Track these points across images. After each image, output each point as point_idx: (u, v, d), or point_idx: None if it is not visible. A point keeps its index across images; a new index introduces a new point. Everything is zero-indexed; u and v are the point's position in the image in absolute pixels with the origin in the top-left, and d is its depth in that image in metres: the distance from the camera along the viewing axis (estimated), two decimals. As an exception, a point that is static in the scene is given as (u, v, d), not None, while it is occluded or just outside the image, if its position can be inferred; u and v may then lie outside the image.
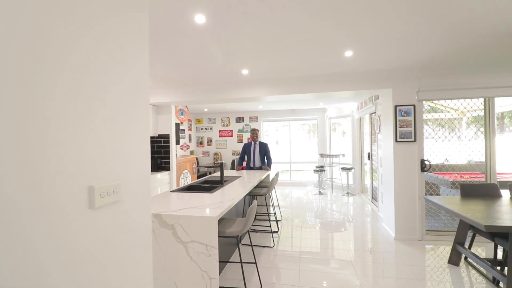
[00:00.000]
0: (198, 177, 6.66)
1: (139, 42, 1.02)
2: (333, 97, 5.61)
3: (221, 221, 2.30)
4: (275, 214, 4.10)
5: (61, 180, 0.69)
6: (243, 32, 2.30)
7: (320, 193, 6.69)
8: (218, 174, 4.25)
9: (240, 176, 3.85)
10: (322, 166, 7.26)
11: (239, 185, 3.12)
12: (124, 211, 0.91)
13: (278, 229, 4.02)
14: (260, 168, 4.82)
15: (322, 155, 7.19)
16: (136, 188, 0.98)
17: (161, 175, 4.56)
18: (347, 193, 6.43)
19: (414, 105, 3.52)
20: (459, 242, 2.88)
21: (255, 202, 2.22)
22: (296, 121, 8.34)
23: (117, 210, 0.88)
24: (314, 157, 8.17)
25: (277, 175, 4.05)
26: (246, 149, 4.93)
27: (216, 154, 8.37)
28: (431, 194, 3.85)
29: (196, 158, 8.32)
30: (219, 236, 2.04)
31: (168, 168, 4.84)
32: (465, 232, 2.89)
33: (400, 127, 3.55)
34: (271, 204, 4.32)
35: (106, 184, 0.83)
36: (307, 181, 7.95)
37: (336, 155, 6.77)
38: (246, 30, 2.25)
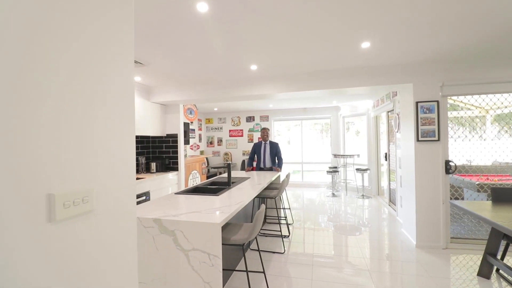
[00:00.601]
0: (208, 177, 6.55)
1: (117, 28, 0.87)
2: (347, 95, 5.34)
3: (226, 226, 2.14)
4: (285, 217, 3.91)
5: (7, 187, 0.54)
6: (250, 23, 2.13)
7: (333, 195, 6.42)
8: (227, 175, 4.10)
9: (249, 178, 3.69)
10: (336, 167, 6.98)
11: (248, 187, 2.95)
12: (98, 224, 0.75)
13: (289, 233, 3.82)
14: (270, 169, 4.63)
15: (335, 156, 6.92)
16: (116, 196, 0.82)
17: (169, 176, 4.46)
18: (363, 195, 6.14)
19: (437, 101, 3.23)
20: (490, 252, 2.59)
21: (263, 206, 2.04)
22: (308, 120, 8.08)
23: (88, 223, 0.72)
24: (327, 158, 7.89)
25: (288, 176, 3.85)
26: (256, 149, 4.76)
27: (226, 154, 8.24)
28: (456, 198, 3.54)
29: (206, 158, 8.24)
30: (223, 244, 1.88)
31: (176, 169, 4.74)
32: (497, 241, 2.59)
33: (422, 125, 3.27)
34: (281, 207, 4.13)
35: (72, 191, 0.67)
36: (319, 182, 7.68)
37: (351, 156, 6.48)
38: (253, 20, 2.07)
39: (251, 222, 3.37)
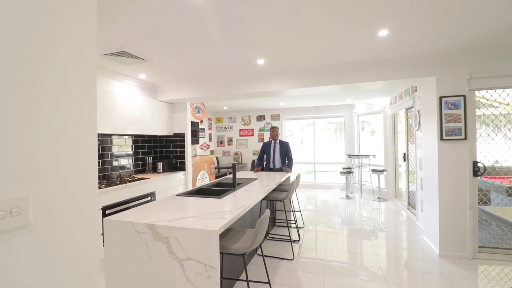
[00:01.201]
0: (217, 177, 6.42)
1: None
2: (362, 91, 5.05)
3: (227, 232, 1.96)
4: (296, 221, 3.70)
5: None
6: (254, 12, 1.94)
7: (347, 197, 6.12)
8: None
9: (257, 179, 3.50)
10: (350, 168, 6.67)
11: (254, 189, 2.77)
12: (37, 244, 0.59)
13: (299, 238, 3.61)
14: (280, 170, 4.42)
15: (349, 156, 6.61)
16: (67, 206, 0.66)
17: (176, 176, 4.35)
18: (379, 197, 5.81)
19: (464, 96, 2.92)
20: (528, 266, 2.28)
21: (267, 212, 1.86)
22: (320, 118, 7.79)
23: (22, 244, 0.56)
24: (340, 158, 7.58)
25: (298, 177, 3.64)
26: (266, 148, 4.57)
27: (236, 154, 8.10)
28: (484, 203, 3.20)
29: (216, 158, 8.13)
30: (222, 253, 1.71)
31: (183, 168, 4.62)
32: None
33: (447, 123, 2.97)
34: (291, 210, 3.93)
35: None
36: (333, 183, 7.39)
37: (366, 156, 6.16)
38: (257, 8, 1.89)
39: (259, 216, 3.19)
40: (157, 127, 4.31)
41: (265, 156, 4.57)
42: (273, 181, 3.32)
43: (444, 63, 2.99)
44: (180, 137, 4.65)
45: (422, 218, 3.77)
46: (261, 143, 7.73)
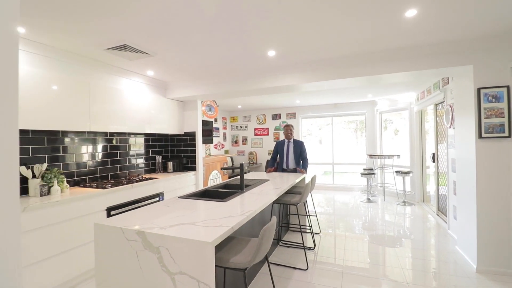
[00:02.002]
0: (230, 178, 6.25)
1: None
2: (385, 86, 4.66)
3: (229, 241, 1.75)
4: (311, 226, 3.43)
5: None
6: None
7: (369, 200, 5.71)
8: (247, 176, 3.73)
9: (268, 180, 3.26)
10: (372, 169, 6.25)
11: (264, 192, 2.54)
12: None
13: (315, 245, 3.33)
14: (294, 171, 4.16)
15: (371, 156, 6.17)
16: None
17: (187, 176, 4.21)
18: (404, 201, 5.36)
19: (507, 87, 2.51)
20: None
21: (273, 220, 1.62)
22: (339, 117, 7.38)
23: None
24: (361, 158, 7.14)
25: (313, 179, 3.36)
26: (279, 147, 4.32)
27: (251, 153, 7.89)
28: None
29: (231, 158, 7.98)
30: (220, 266, 1.49)
31: (194, 168, 4.48)
32: None
33: (486, 118, 2.57)
34: (306, 213, 3.65)
35: None
36: (353, 185, 6.97)
37: (389, 156, 5.71)
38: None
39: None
40: (167, 126, 4.20)
41: (278, 155, 4.33)
42: (286, 182, 3.07)
43: (482, 50, 2.59)
44: (191, 136, 4.52)
45: (455, 226, 3.35)
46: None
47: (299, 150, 4.15)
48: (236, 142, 8.20)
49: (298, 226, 3.81)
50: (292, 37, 2.48)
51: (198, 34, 2.36)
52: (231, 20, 2.12)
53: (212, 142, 6.94)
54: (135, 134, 3.95)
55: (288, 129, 4.25)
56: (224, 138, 7.98)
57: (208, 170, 5.15)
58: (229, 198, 2.24)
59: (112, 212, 2.88)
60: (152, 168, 4.28)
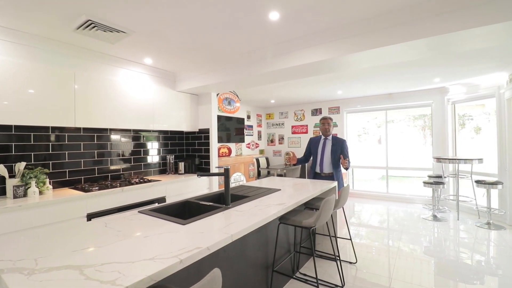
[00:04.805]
0: (257, 179, 5.56)
1: None
2: (457, 57, 3.37)
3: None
4: (338, 256, 2.45)
5: None
6: None
7: (435, 217, 4.35)
8: (259, 184, 3.01)
9: (279, 190, 2.46)
10: (440, 176, 4.81)
11: (257, 208, 1.77)
12: None
13: (343, 282, 2.39)
14: (330, 177, 3.23)
15: (439, 160, 4.71)
16: None
17: (199, 178, 3.68)
18: (488, 223, 3.88)
19: None
20: None
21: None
22: (395, 109, 5.97)
23: None
24: (425, 162, 5.65)
25: (344, 190, 2.44)
26: (312, 145, 3.44)
27: (287, 154, 7.05)
28: None
29: (266, 159, 7.30)
30: None
31: (208, 170, 3.93)
32: None
33: None
34: (332, 235, 2.72)
35: None
36: (413, 196, 5.55)
37: (466, 160, 4.24)
38: None
39: (274, 249, 2.15)
40: (177, 122, 3.73)
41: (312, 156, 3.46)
42: (300, 195, 2.23)
43: None
44: (205, 133, 3.98)
45: None
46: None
47: (339, 150, 3.21)
48: (272, 141, 7.47)
49: (326, 254, 2.89)
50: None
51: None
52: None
53: (243, 141, 6.37)
54: (142, 131, 3.58)
55: (325, 123, 3.34)
56: (259, 137, 7.33)
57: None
58: (195, 219, 1.55)
59: (92, 220, 2.49)
60: (163, 169, 3.88)
